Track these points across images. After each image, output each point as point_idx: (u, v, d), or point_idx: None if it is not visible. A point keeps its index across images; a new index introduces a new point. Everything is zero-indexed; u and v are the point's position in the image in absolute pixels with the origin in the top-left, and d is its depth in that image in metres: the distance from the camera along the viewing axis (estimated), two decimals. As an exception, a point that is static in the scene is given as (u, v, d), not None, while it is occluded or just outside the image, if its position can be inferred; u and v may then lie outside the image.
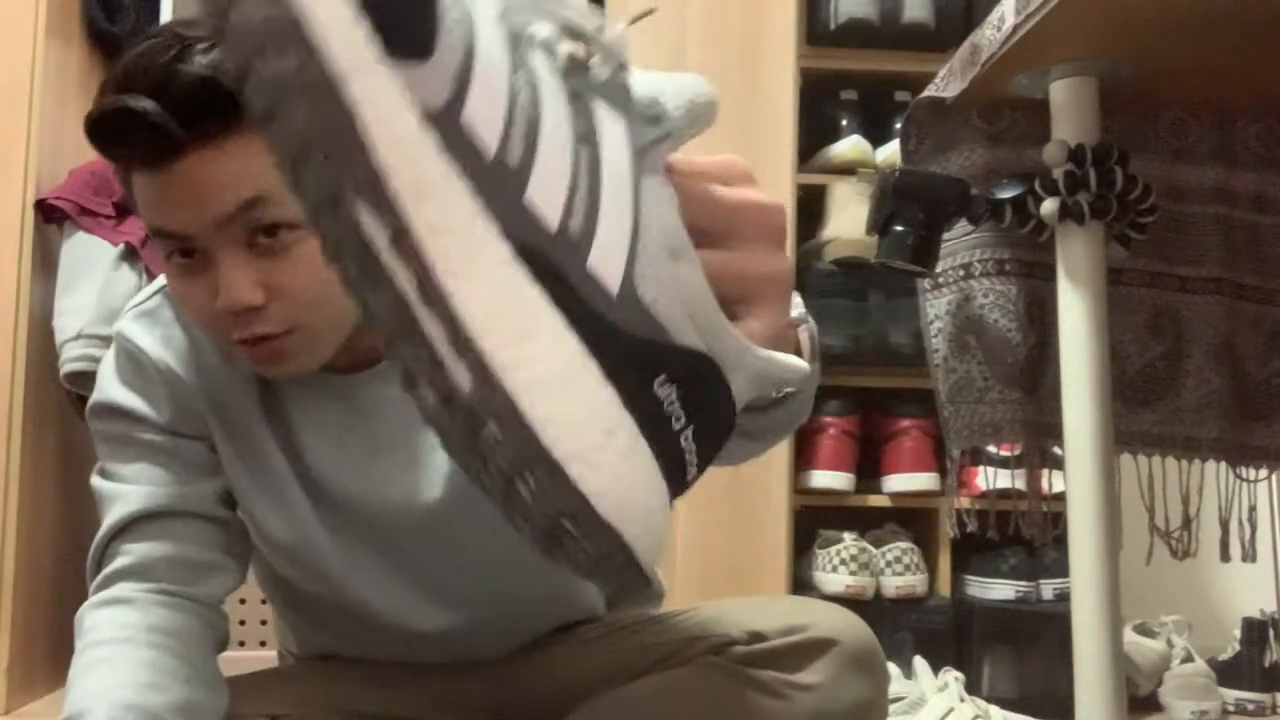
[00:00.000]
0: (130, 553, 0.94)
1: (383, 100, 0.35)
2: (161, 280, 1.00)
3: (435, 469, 0.97)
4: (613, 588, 0.38)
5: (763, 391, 0.47)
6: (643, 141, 0.42)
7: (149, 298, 1.01)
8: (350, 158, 0.35)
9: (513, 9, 0.40)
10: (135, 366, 0.99)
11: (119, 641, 0.89)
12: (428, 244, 0.36)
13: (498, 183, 0.37)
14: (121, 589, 0.93)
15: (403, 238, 0.36)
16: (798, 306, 0.64)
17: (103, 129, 0.83)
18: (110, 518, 0.96)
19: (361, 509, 0.98)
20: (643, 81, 0.44)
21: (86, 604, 0.94)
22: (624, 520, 0.38)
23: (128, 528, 0.95)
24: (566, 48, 0.41)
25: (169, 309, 0.99)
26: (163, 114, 0.79)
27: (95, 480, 0.99)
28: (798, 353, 0.63)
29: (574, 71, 0.41)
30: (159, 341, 0.98)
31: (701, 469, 0.43)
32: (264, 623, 1.97)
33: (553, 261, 0.38)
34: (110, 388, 1.00)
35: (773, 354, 0.45)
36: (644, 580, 0.40)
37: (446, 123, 0.37)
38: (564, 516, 0.38)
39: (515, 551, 1.01)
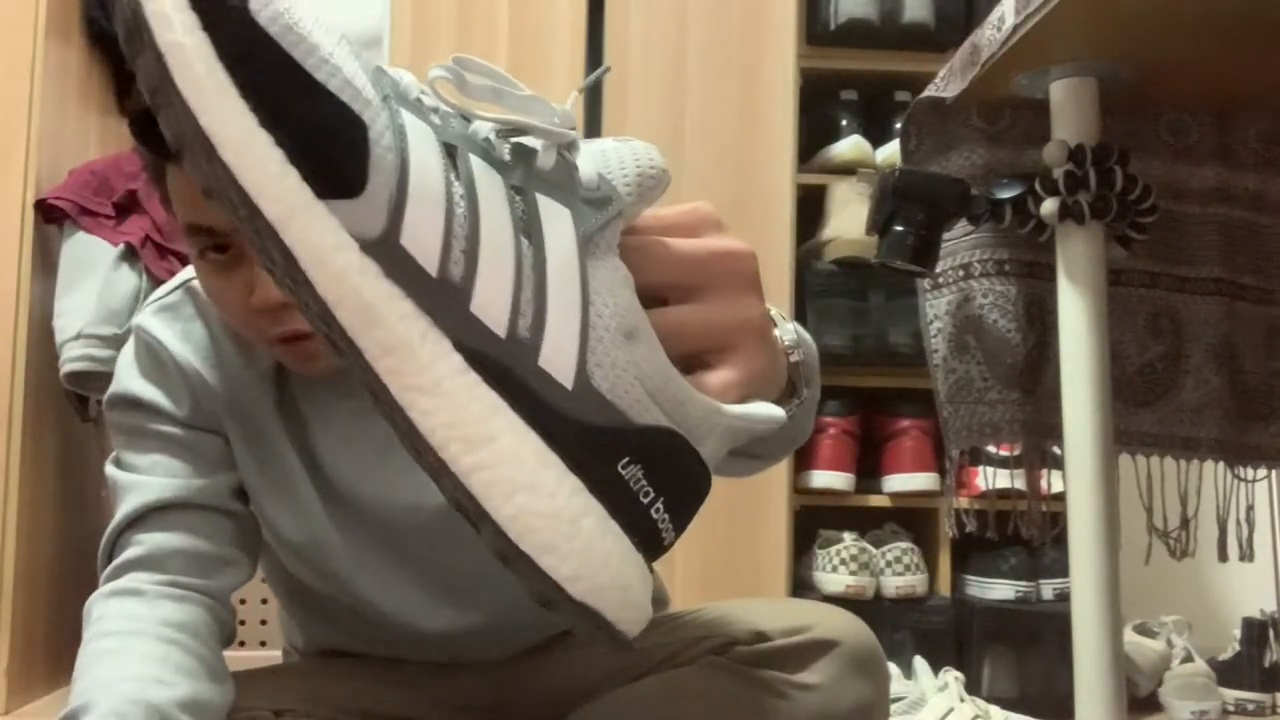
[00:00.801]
0: (143, 543, 0.94)
1: (319, 240, 0.38)
2: (184, 275, 1.01)
3: None
4: (592, 638, 0.39)
5: (740, 444, 0.48)
6: (590, 227, 0.43)
7: (171, 292, 1.01)
8: (303, 291, 0.39)
9: (448, 116, 0.42)
10: (154, 359, 0.99)
11: (127, 633, 0.89)
12: (380, 365, 0.39)
13: (443, 298, 0.39)
14: (132, 579, 0.93)
15: (359, 360, 0.39)
16: (789, 332, 0.64)
17: (149, 122, 0.82)
18: (124, 508, 0.96)
19: (371, 509, 0.98)
20: (589, 159, 0.45)
21: (97, 593, 0.94)
22: (600, 600, 0.41)
23: (141, 518, 0.95)
24: (506, 146, 0.43)
25: (190, 304, 1.00)
26: None
27: (110, 469, 0.99)
28: (791, 382, 0.63)
29: (516, 165, 0.42)
30: (179, 336, 0.99)
31: (679, 532, 0.45)
32: (264, 622, 1.97)
33: (505, 365, 0.40)
34: (129, 379, 1.00)
35: (746, 409, 0.47)
36: (627, 643, 0.43)
37: (385, 250, 0.39)
38: (546, 599, 0.41)
39: None
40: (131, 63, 0.40)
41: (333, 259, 0.38)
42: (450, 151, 0.41)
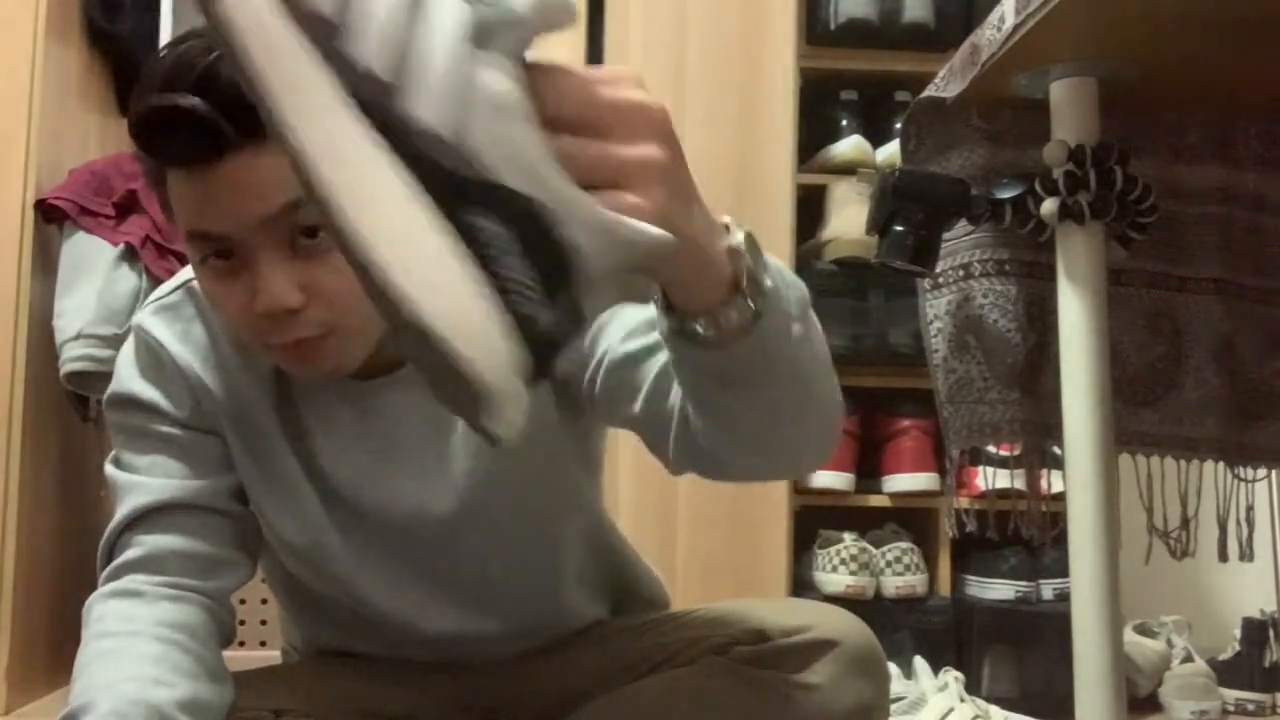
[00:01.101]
0: (142, 544, 0.94)
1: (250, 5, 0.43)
2: (184, 275, 1.00)
3: (448, 478, 0.97)
4: (456, 407, 0.39)
5: (623, 259, 0.49)
6: (481, 18, 0.46)
7: (171, 292, 1.01)
8: (225, 30, 0.44)
9: None
10: (154, 360, 0.99)
11: (127, 634, 0.89)
12: (279, 98, 0.43)
13: (332, 38, 0.44)
14: (131, 580, 0.93)
15: (262, 90, 0.43)
16: (738, 239, 0.64)
17: (150, 128, 0.81)
18: (124, 508, 0.96)
19: (372, 512, 0.98)
20: None
21: (96, 594, 0.94)
22: (439, 323, 0.42)
23: (141, 519, 0.95)
24: None
25: (191, 305, 0.99)
26: (212, 112, 0.78)
27: (110, 469, 0.99)
28: (735, 283, 0.64)
29: None
30: (178, 336, 0.99)
31: (538, 304, 0.45)
32: (264, 623, 1.97)
33: (379, 104, 0.44)
34: (129, 379, 1.00)
35: (621, 216, 0.48)
36: (477, 396, 0.44)
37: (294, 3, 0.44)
38: (391, 317, 0.44)
39: (523, 561, 1.03)
40: None
41: (262, 14, 0.43)
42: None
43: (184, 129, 0.79)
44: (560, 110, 0.49)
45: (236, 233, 0.82)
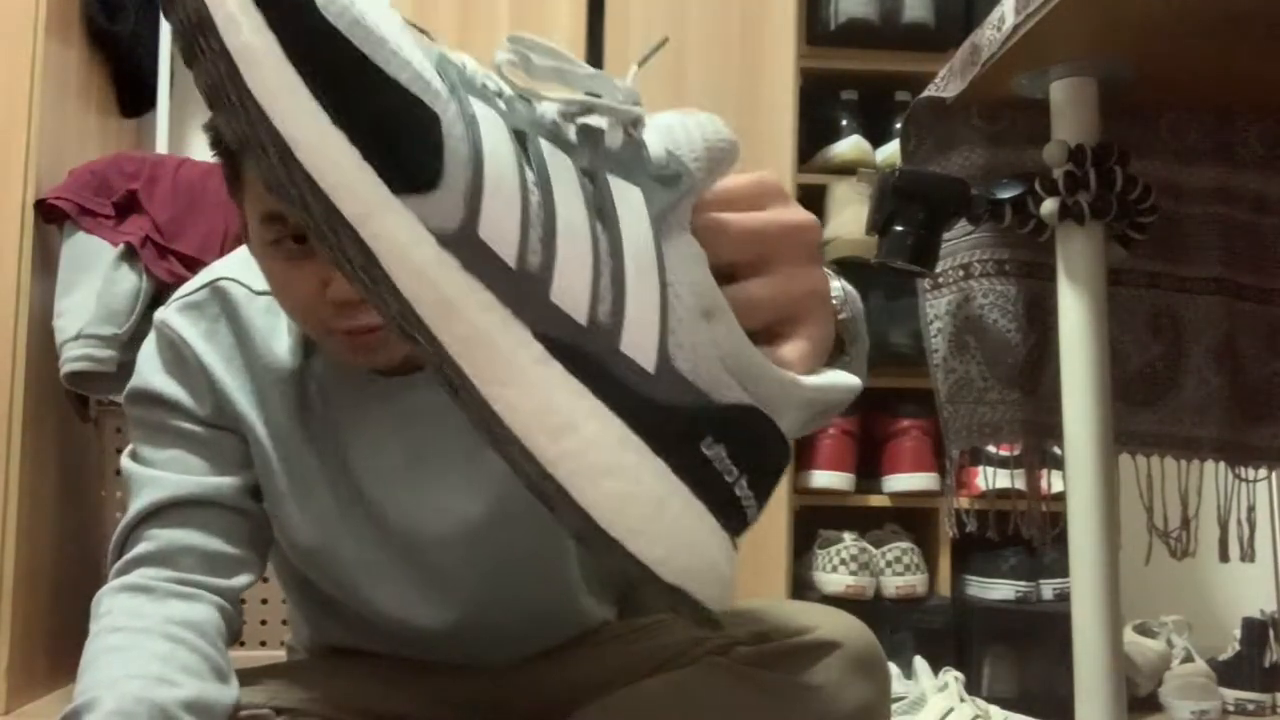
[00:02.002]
0: (155, 539, 0.94)
1: (397, 236, 0.38)
2: (209, 273, 1.01)
3: (478, 480, 0.97)
4: (677, 612, 0.40)
5: (816, 413, 0.47)
6: (662, 205, 0.42)
7: (197, 290, 1.01)
8: (381, 287, 0.39)
9: (514, 101, 0.42)
10: (177, 356, 0.99)
11: (134, 630, 0.89)
12: (461, 358, 0.38)
13: (522, 288, 0.39)
14: (142, 575, 0.93)
15: (440, 354, 0.39)
16: (837, 290, 0.64)
17: None
18: (139, 502, 0.96)
19: (394, 514, 0.98)
20: (656, 135, 0.44)
21: (106, 586, 0.94)
22: (688, 580, 0.41)
23: (155, 514, 0.95)
24: (573, 128, 0.42)
25: (216, 304, 1.00)
26: None
27: (126, 463, 0.99)
28: (839, 337, 0.63)
29: (584, 146, 0.42)
30: (203, 335, 0.99)
31: (762, 507, 0.44)
32: (264, 622, 1.97)
33: (586, 351, 0.40)
34: (150, 374, 1.00)
35: (824, 380, 0.47)
36: (715, 621, 0.43)
37: (464, 242, 0.38)
38: (637, 580, 0.41)
39: (538, 564, 1.03)
40: (191, 64, 0.39)
41: (411, 254, 0.38)
42: (520, 138, 0.40)
43: None
44: (722, 255, 0.46)
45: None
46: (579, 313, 0.39)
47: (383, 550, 0.99)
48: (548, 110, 0.42)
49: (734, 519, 0.43)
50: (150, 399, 0.99)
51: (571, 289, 0.39)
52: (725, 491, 0.42)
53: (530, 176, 0.40)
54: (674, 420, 0.41)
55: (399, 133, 0.38)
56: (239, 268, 1.01)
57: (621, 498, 0.40)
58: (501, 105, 0.41)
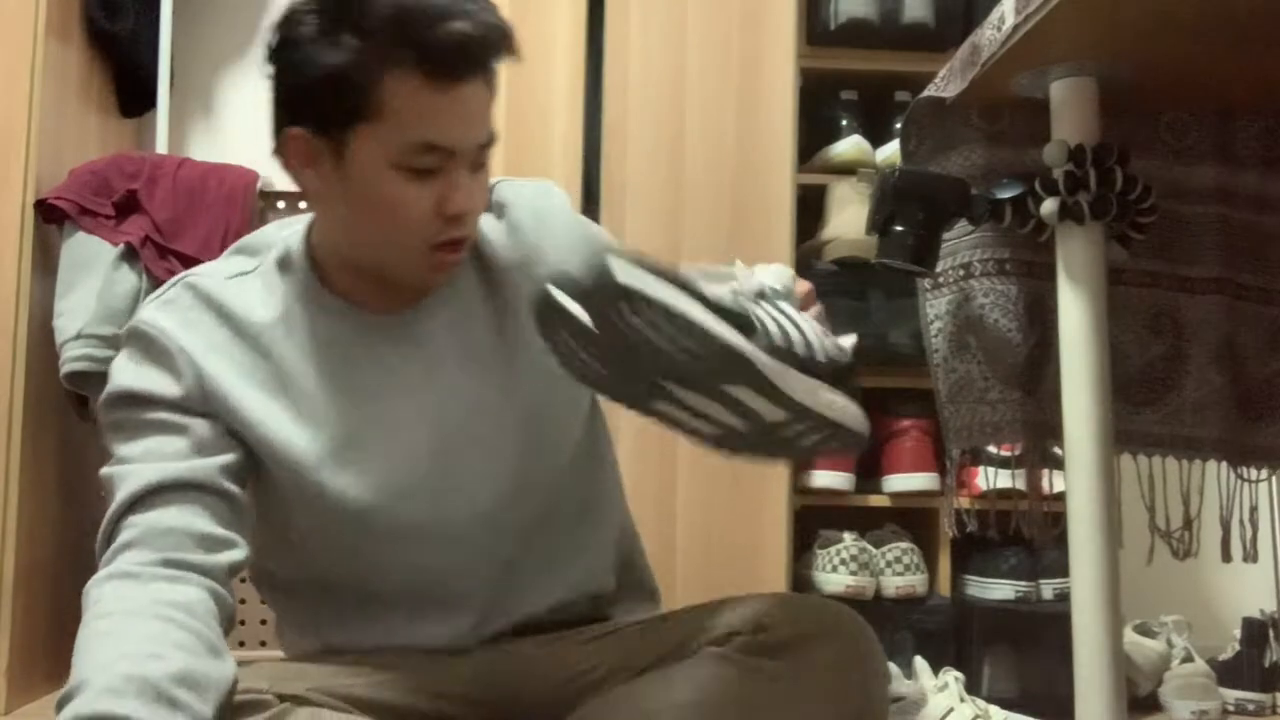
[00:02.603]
0: (137, 525, 0.95)
1: (744, 346, 0.84)
2: (177, 277, 1.06)
3: (504, 393, 1.08)
4: (840, 446, 0.91)
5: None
6: (794, 304, 0.91)
7: (168, 289, 1.05)
8: (749, 374, 0.84)
9: (741, 293, 0.87)
10: (147, 346, 1.01)
11: (122, 614, 0.89)
12: (780, 383, 0.84)
13: (787, 356, 0.85)
14: (127, 561, 0.93)
15: (763, 378, 0.84)
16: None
17: (453, 37, 0.95)
18: (118, 497, 0.97)
19: (441, 466, 1.05)
20: (773, 279, 0.91)
21: (94, 578, 0.94)
22: (856, 424, 0.88)
23: (136, 503, 0.96)
24: (765, 299, 0.89)
25: (189, 296, 1.03)
26: (492, 36, 0.97)
27: (105, 471, 1.00)
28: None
29: (765, 299, 0.89)
30: (180, 324, 1.02)
31: (855, 397, 0.89)
32: (264, 622, 1.97)
33: (807, 365, 0.86)
34: (119, 377, 1.01)
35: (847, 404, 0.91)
36: (861, 439, 0.89)
37: (772, 350, 0.85)
38: (830, 438, 0.89)
39: (548, 489, 1.10)
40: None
41: (763, 358, 0.84)
42: (757, 300, 0.88)
43: (469, 47, 0.95)
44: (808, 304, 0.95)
45: (460, 147, 0.98)
46: (802, 351, 0.86)
47: (424, 504, 1.05)
48: (752, 291, 0.89)
49: (852, 397, 0.88)
50: (121, 400, 1.00)
51: (796, 343, 0.86)
52: (849, 390, 0.88)
53: (761, 312, 0.87)
54: (825, 374, 0.86)
55: (742, 327, 0.84)
56: (202, 268, 1.08)
57: (827, 405, 0.86)
58: (757, 303, 0.88)
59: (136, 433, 0.99)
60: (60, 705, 0.82)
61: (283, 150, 1.00)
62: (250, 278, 1.06)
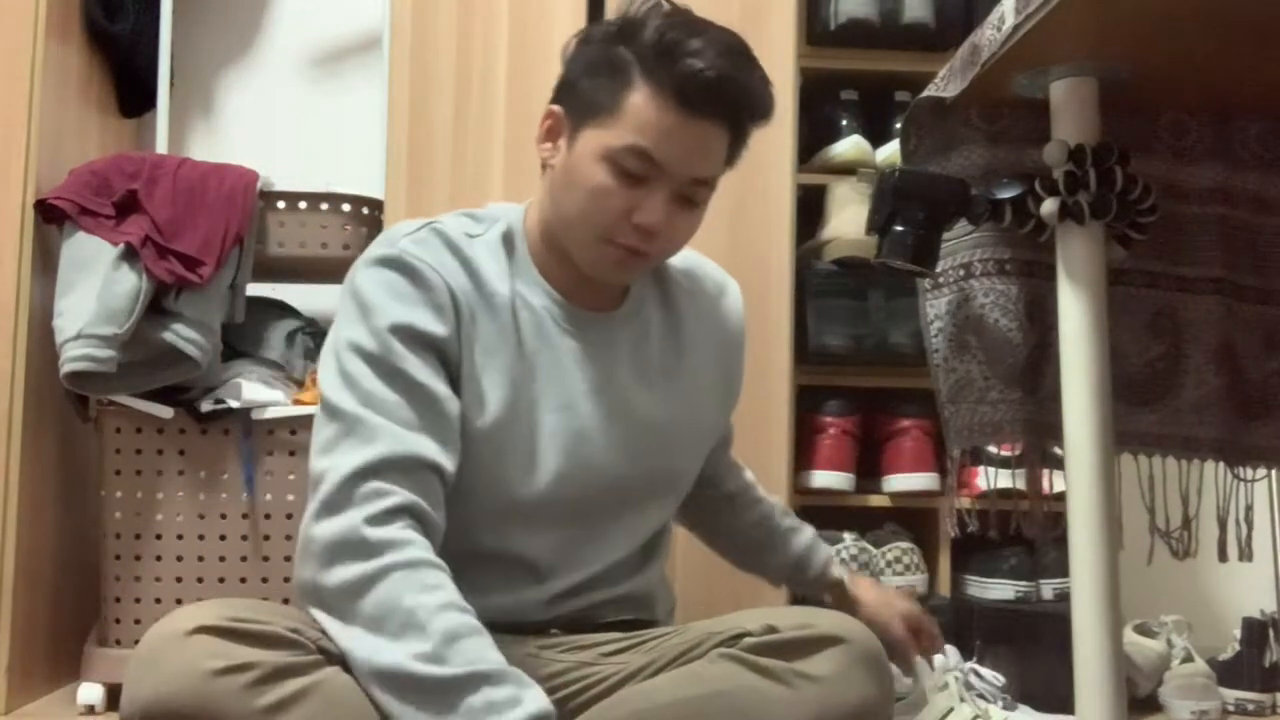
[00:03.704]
0: (397, 494, 1.03)
1: None
2: (420, 221, 1.16)
3: (632, 407, 1.19)
4: None
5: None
6: None
7: (416, 230, 1.15)
8: None
9: None
10: (419, 280, 1.11)
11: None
12: None
13: None
14: (407, 533, 1.01)
15: None
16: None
17: (706, 84, 1.07)
18: (372, 450, 1.04)
19: (588, 410, 1.17)
20: None
21: (368, 528, 0.99)
22: None
23: (388, 467, 1.04)
24: None
25: (438, 239, 1.15)
26: (748, 95, 1.11)
27: (346, 404, 1.08)
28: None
29: None
30: (435, 261, 1.13)
31: None
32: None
33: None
34: (395, 307, 1.10)
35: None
36: None
37: None
38: None
39: (645, 499, 1.24)
40: None
41: None
42: None
43: (715, 92, 1.07)
44: None
45: (673, 170, 1.09)
46: None
47: (561, 428, 1.15)
48: None
49: None
50: (402, 332, 1.08)
51: None
52: None
53: None
54: None
55: None
56: (442, 218, 1.18)
57: None
58: None
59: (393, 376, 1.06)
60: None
61: (542, 122, 1.16)
62: (479, 241, 1.16)
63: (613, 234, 1.10)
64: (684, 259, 1.26)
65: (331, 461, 1.02)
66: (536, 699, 0.92)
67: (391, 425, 1.03)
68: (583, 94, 1.12)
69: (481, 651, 0.94)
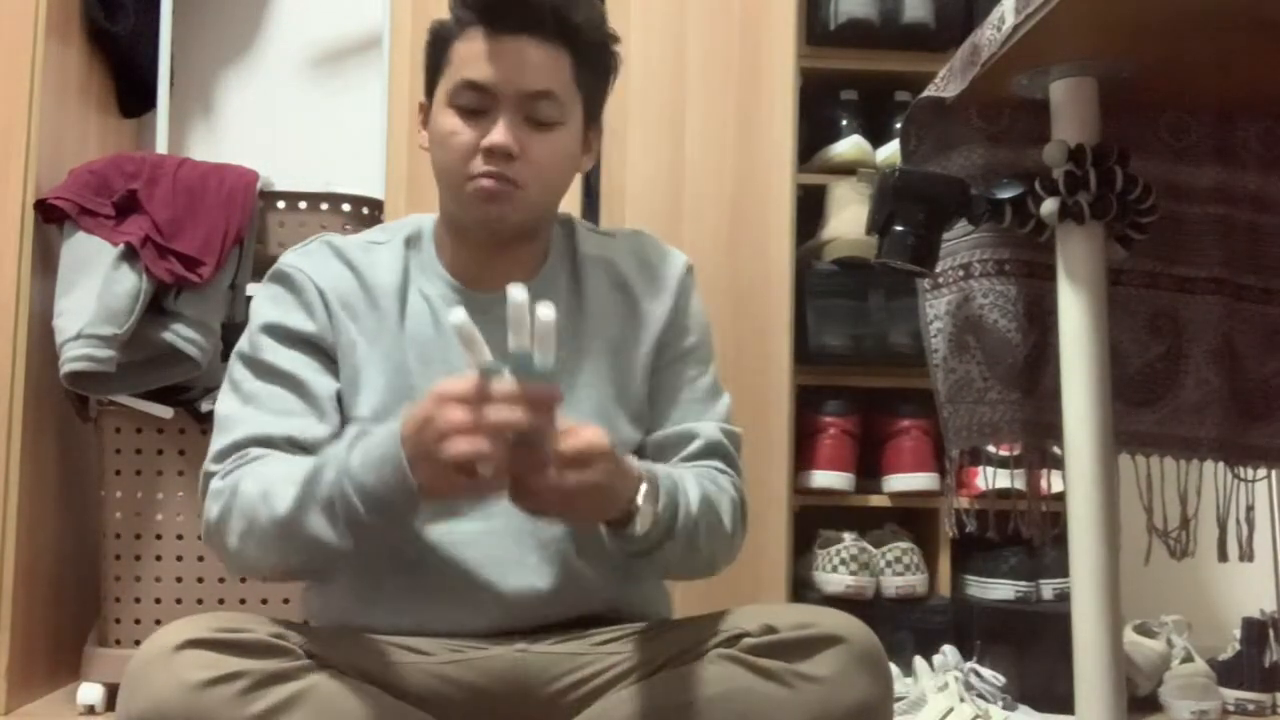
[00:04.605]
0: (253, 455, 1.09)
1: None
2: (315, 236, 1.21)
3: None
4: None
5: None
6: None
7: (306, 244, 1.20)
8: None
9: None
10: (291, 285, 1.16)
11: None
12: None
13: None
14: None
15: None
16: (648, 514, 1.04)
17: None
18: (236, 435, 1.11)
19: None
20: None
21: (227, 478, 1.07)
22: None
23: (254, 443, 1.10)
24: None
25: (325, 249, 1.19)
26: (558, 9, 1.11)
27: (218, 409, 1.15)
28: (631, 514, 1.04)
29: None
30: (315, 267, 1.17)
31: None
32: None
33: None
34: (265, 311, 1.17)
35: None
36: None
37: None
38: None
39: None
40: None
41: None
42: None
43: (518, 5, 1.09)
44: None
45: (503, 92, 1.10)
46: None
47: None
48: None
49: None
50: (273, 331, 1.13)
51: None
52: None
53: None
54: None
55: None
56: (356, 234, 1.24)
57: None
58: None
59: (267, 374, 1.12)
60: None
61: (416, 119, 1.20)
62: (382, 247, 1.20)
63: (471, 169, 1.11)
64: (631, 243, 1.25)
65: (205, 462, 1.11)
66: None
67: (258, 413, 1.10)
68: (428, 72, 1.17)
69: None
